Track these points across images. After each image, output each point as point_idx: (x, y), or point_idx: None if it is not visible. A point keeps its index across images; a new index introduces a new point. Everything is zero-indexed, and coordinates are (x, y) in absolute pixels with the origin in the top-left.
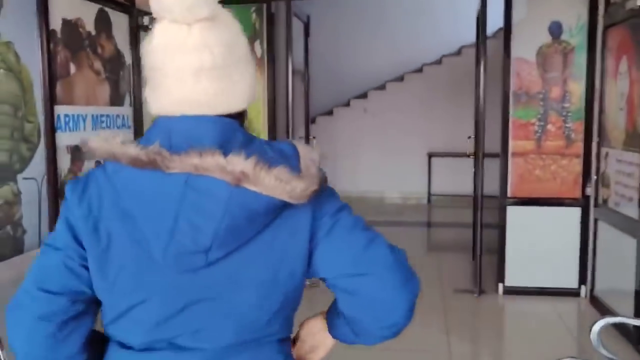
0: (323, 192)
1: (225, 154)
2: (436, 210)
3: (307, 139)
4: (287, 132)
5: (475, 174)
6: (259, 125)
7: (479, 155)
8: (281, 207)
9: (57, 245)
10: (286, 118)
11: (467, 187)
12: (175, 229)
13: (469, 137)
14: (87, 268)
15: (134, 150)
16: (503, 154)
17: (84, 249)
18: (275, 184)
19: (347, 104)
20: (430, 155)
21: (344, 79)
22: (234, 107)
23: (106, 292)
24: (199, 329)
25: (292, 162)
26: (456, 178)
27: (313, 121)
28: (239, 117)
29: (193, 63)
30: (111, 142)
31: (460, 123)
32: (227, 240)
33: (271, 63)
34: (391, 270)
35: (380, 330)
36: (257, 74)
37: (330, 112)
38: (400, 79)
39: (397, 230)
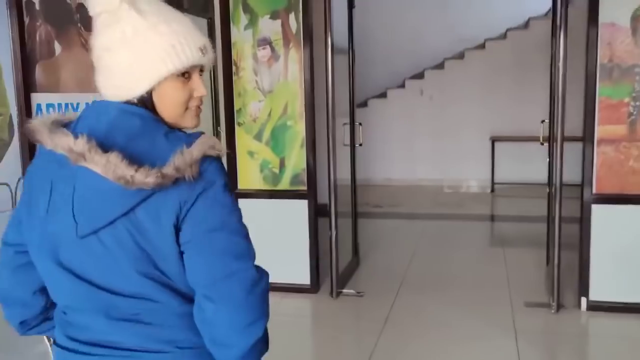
0: (204, 195)
1: (107, 138)
2: (500, 201)
3: (352, 125)
4: (327, 117)
5: (550, 163)
6: (295, 110)
7: (556, 141)
8: (140, 193)
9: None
10: (326, 102)
11: (534, 175)
12: (50, 200)
13: (543, 121)
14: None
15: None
16: (587, 141)
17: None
18: (107, 166)
19: (402, 85)
20: (494, 140)
21: (397, 58)
22: (119, 96)
23: (30, 249)
24: (84, 302)
25: (167, 154)
26: (522, 165)
27: (365, 104)
28: (144, 103)
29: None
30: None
31: (527, 104)
32: (87, 214)
33: (307, 39)
34: (237, 311)
35: (219, 355)
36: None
37: (383, 94)
38: (461, 56)
39: (457, 225)
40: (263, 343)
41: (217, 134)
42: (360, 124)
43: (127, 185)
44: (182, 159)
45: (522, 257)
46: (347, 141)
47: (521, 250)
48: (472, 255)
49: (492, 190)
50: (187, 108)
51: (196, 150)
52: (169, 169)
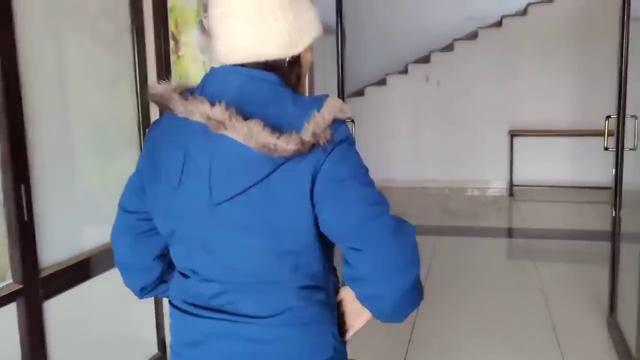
0: (332, 153)
1: (240, 106)
2: (522, 207)
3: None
4: None
5: (616, 165)
6: None
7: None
8: (277, 160)
9: (134, 171)
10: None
11: (559, 176)
12: (184, 168)
13: (609, 117)
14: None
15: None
16: None
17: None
18: (248, 134)
19: (405, 71)
20: (513, 135)
21: (399, 39)
22: (263, 55)
23: (154, 216)
24: (213, 264)
25: (300, 120)
26: (546, 164)
27: (361, 93)
28: (277, 68)
29: (221, 8)
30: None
31: (551, 93)
32: (223, 182)
33: None
34: (385, 253)
35: (373, 308)
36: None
37: (382, 82)
38: (473, 36)
39: (474, 242)
40: (417, 293)
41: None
42: (352, 121)
43: (270, 153)
44: (317, 123)
45: (566, 297)
46: None
47: (563, 282)
48: (494, 297)
49: (511, 194)
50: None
51: (327, 113)
52: (307, 135)
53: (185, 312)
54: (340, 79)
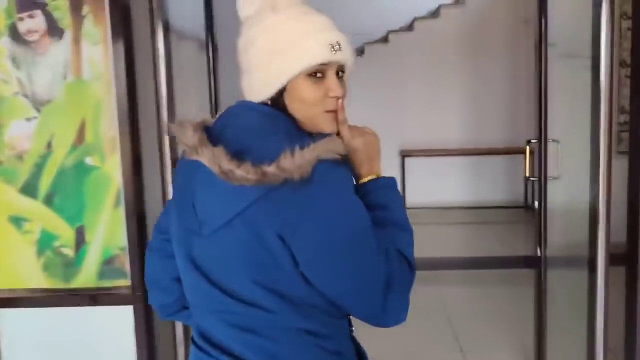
0: (309, 209)
1: (221, 133)
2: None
3: None
4: (160, 143)
5: (540, 195)
6: (99, 135)
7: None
8: (254, 192)
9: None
10: (157, 118)
11: (454, 196)
12: (184, 196)
13: (529, 142)
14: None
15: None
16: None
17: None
18: (212, 159)
19: None
20: (404, 155)
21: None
22: (256, 96)
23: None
24: (206, 302)
25: (277, 153)
26: (439, 184)
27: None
28: (277, 103)
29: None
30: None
31: (441, 110)
32: (208, 213)
33: (120, 27)
34: (376, 320)
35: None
36: None
37: None
38: (360, 52)
39: None
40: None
41: None
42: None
43: (229, 180)
44: (290, 159)
45: (474, 318)
46: None
47: (471, 312)
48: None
49: None
50: (324, 110)
51: (309, 151)
52: (271, 168)
53: (199, 348)
54: (213, 97)
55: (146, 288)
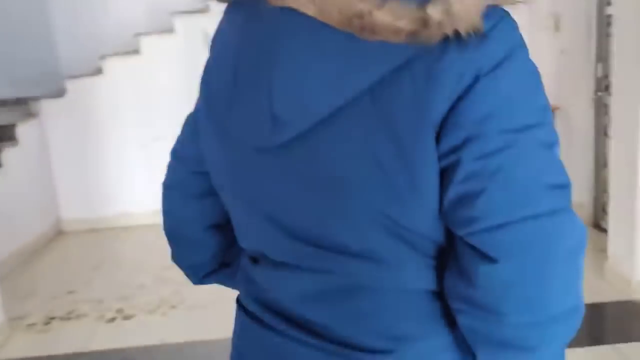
0: (489, 76)
1: None
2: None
3: None
4: None
5: None
6: None
7: None
8: (387, 57)
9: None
10: None
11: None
12: (237, 85)
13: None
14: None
15: None
16: None
17: None
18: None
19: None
20: None
21: (28, 67)
22: None
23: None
24: (275, 251)
25: None
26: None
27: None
28: None
29: None
30: None
31: None
32: (293, 102)
33: None
34: (537, 286)
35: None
36: None
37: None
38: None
39: None
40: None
41: None
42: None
43: (363, 33)
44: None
45: None
46: None
47: None
48: None
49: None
50: None
51: None
52: (436, 11)
53: (255, 317)
54: None
55: (168, 242)
